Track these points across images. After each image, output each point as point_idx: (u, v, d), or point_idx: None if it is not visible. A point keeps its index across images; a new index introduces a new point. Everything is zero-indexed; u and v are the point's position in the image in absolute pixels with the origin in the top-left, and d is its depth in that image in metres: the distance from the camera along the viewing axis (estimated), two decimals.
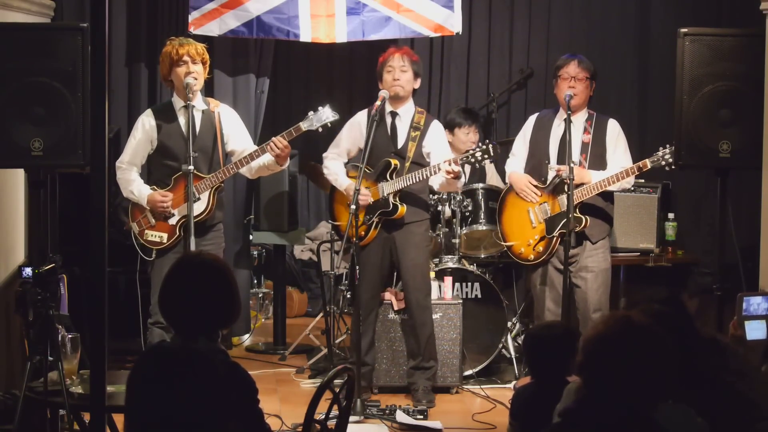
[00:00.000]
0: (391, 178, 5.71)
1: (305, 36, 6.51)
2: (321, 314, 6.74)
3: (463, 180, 5.83)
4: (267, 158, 5.45)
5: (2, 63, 5.01)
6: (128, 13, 6.84)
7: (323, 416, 3.74)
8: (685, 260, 6.81)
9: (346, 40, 6.55)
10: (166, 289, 3.22)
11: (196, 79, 5.33)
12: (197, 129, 5.37)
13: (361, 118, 5.87)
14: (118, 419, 3.96)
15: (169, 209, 5.33)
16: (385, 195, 5.69)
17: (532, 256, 5.81)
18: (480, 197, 6.36)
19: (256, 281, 7.95)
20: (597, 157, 5.73)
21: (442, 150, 5.80)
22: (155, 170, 5.47)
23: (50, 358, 4.07)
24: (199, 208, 5.31)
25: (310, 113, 5.48)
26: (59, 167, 5.32)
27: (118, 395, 3.73)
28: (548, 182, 5.74)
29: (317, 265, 7.22)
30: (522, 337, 6.39)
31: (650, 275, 6.74)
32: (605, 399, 2.62)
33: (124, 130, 6.41)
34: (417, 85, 5.86)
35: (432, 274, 6.05)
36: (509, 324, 6.36)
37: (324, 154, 6.01)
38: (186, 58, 5.33)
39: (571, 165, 5.45)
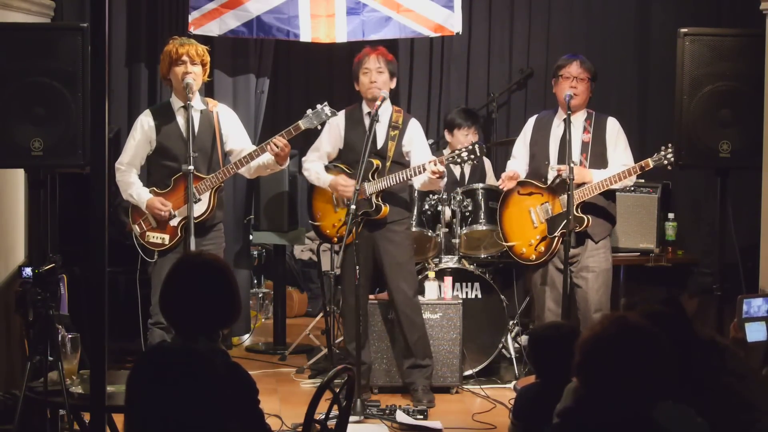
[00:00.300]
0: (374, 178, 5.68)
1: (305, 36, 6.51)
2: (321, 314, 6.74)
3: (445, 179, 5.80)
4: (267, 158, 5.45)
5: (2, 63, 5.02)
6: (128, 13, 6.83)
7: (323, 416, 3.74)
8: (685, 260, 6.80)
9: (346, 40, 6.54)
10: (167, 289, 3.22)
11: (194, 80, 5.33)
12: (196, 129, 5.36)
13: (339, 120, 5.82)
14: (118, 419, 3.96)
15: (168, 216, 5.34)
16: (368, 195, 5.67)
17: (533, 257, 5.81)
18: (480, 197, 6.35)
19: (256, 281, 7.95)
20: (597, 156, 5.73)
21: (422, 148, 5.79)
22: (155, 171, 5.46)
23: (50, 358, 4.07)
24: (200, 208, 5.31)
25: (309, 111, 5.47)
26: (59, 167, 5.32)
27: (118, 395, 3.73)
28: (549, 182, 5.74)
29: (317, 265, 7.22)
30: (522, 337, 6.39)
31: (650, 275, 6.74)
32: (602, 399, 2.62)
33: (124, 130, 6.39)
34: (393, 85, 5.83)
35: (432, 274, 6.05)
36: (509, 324, 6.36)
37: (303, 158, 6.01)
38: (185, 57, 5.33)
39: (572, 165, 5.45)
